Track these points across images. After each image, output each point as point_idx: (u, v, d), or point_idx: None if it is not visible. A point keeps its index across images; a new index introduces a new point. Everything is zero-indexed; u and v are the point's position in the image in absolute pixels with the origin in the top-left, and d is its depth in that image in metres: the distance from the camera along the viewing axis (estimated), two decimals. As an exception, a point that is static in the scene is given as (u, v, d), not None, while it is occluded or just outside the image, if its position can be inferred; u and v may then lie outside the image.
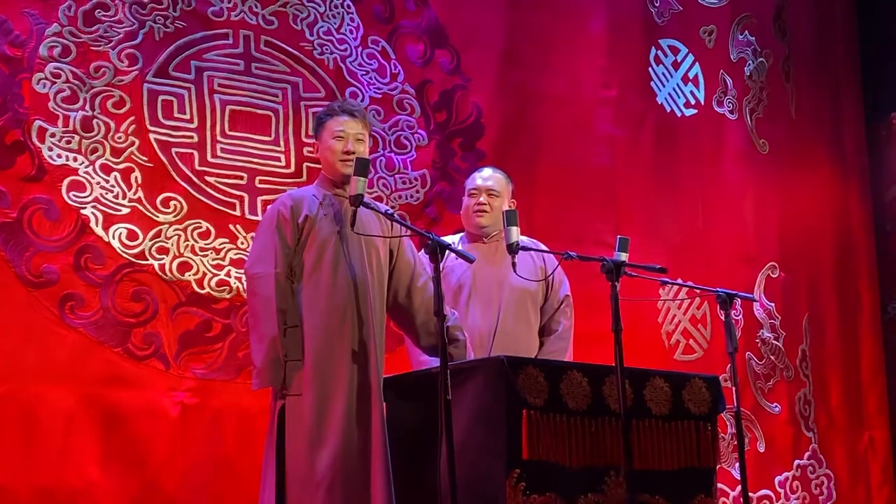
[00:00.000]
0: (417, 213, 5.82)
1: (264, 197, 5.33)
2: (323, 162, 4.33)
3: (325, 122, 4.31)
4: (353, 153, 4.21)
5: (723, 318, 4.58)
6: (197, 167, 5.29)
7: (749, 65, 7.21)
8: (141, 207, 5.13)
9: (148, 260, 5.11)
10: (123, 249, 5.06)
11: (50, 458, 4.78)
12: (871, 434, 7.30)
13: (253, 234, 4.76)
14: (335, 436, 4.02)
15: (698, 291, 6.01)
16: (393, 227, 4.32)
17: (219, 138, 5.37)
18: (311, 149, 4.96)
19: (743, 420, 5.99)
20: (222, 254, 5.28)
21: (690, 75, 6.98)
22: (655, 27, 6.90)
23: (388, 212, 4.06)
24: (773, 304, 7.07)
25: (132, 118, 5.17)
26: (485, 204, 4.75)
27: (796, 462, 6.97)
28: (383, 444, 4.07)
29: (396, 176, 5.82)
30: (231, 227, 5.32)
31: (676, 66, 6.94)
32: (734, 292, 4.67)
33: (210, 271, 5.23)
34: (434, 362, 4.26)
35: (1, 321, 4.78)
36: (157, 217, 5.16)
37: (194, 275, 5.20)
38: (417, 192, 5.86)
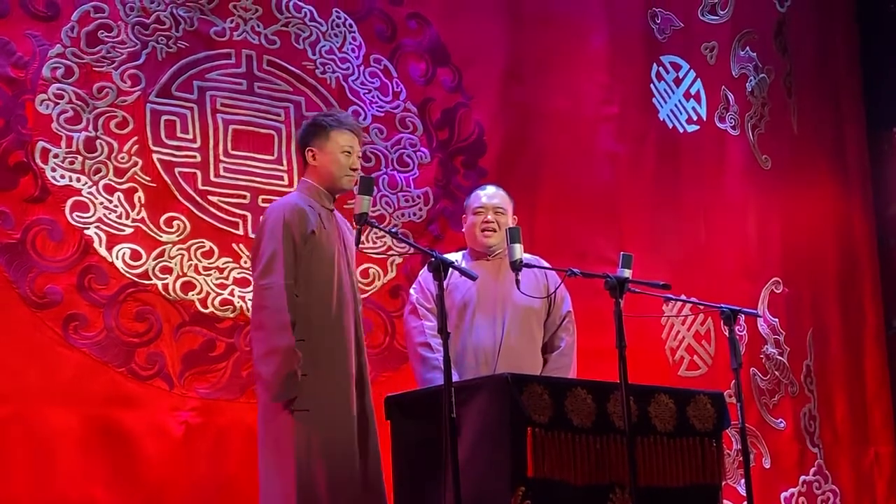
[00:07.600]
0: (420, 231, 5.82)
1: (267, 216, 5.34)
2: (322, 172, 4.30)
3: (330, 133, 4.29)
4: (357, 170, 4.27)
5: (727, 333, 4.57)
6: (200, 186, 5.29)
7: (751, 80, 7.22)
8: (144, 227, 5.13)
9: (151, 280, 5.11)
10: (127, 269, 5.06)
11: (53, 479, 4.77)
12: (876, 449, 7.28)
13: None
14: (340, 452, 4.04)
15: (702, 307, 5.99)
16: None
17: (221, 158, 5.38)
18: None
19: (748, 436, 5.98)
20: (226, 273, 5.28)
21: (692, 91, 6.99)
22: (657, 44, 6.91)
23: (393, 230, 4.07)
24: (777, 320, 7.06)
25: (135, 138, 5.17)
26: (492, 222, 4.73)
27: (802, 478, 6.95)
28: (377, 457, 4.12)
29: (399, 194, 5.82)
30: (234, 246, 5.33)
31: (678, 82, 6.95)
32: (738, 308, 4.66)
33: (213, 290, 5.23)
34: (438, 380, 4.26)
35: (5, 342, 4.78)
36: (161, 237, 5.17)
37: (198, 294, 5.20)
38: (420, 209, 5.86)
